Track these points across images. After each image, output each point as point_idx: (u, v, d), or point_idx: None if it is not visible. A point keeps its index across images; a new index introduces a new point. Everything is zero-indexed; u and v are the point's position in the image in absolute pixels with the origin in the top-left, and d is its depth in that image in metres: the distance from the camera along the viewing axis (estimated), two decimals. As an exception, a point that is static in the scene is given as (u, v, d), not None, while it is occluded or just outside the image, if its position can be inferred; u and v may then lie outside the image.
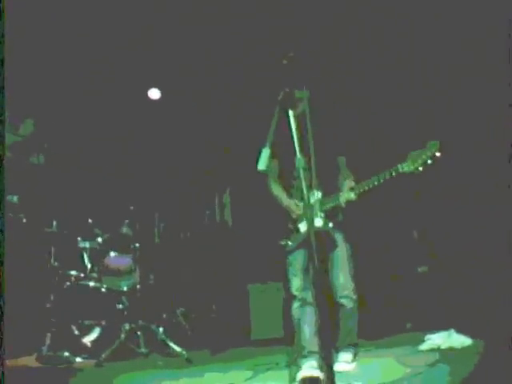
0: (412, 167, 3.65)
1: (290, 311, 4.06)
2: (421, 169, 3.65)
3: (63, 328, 4.89)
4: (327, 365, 2.70)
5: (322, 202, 4.07)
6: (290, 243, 4.16)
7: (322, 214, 4.07)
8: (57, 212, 5.47)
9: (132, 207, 5.81)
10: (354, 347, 4.16)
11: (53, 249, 5.29)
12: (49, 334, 4.78)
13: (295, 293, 4.04)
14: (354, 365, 4.07)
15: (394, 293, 5.69)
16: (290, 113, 3.18)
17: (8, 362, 4.53)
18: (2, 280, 3.83)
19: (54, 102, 6.22)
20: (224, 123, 6.84)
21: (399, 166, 3.70)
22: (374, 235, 5.93)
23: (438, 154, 3.59)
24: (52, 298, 5.02)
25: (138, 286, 5.44)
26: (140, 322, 5.18)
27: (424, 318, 5.23)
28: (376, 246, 5.91)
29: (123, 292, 5.39)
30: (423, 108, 5.76)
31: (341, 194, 3.97)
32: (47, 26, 5.70)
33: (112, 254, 5.60)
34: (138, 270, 5.52)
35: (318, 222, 4.04)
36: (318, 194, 4.09)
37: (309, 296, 3.93)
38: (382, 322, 5.30)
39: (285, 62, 3.29)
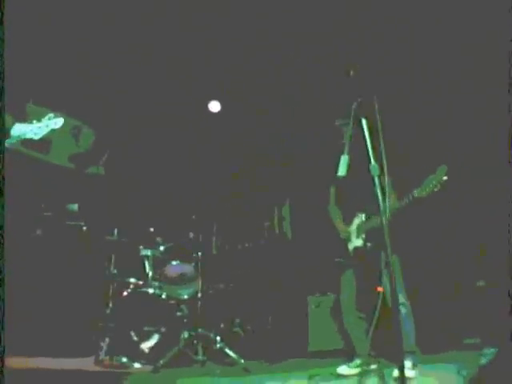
0: (424, 193, 3.87)
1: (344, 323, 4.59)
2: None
3: (122, 334, 4.91)
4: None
5: (364, 223, 4.50)
6: (341, 260, 4.62)
7: (363, 235, 4.46)
8: (118, 221, 5.56)
9: (194, 216, 5.85)
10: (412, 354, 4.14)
11: (113, 256, 5.35)
12: (107, 339, 4.82)
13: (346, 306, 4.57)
14: (414, 372, 4.03)
15: (453, 307, 5.48)
16: (363, 121, 3.25)
17: (65, 364, 4.65)
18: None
19: (115, 112, 6.37)
20: (284, 135, 6.80)
21: (415, 191, 3.94)
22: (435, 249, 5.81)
23: (445, 178, 3.78)
24: (111, 304, 5.07)
25: (198, 295, 5.41)
26: (199, 330, 5.13)
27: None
28: (436, 259, 5.77)
29: (183, 300, 5.37)
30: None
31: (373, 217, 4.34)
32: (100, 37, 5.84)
33: (173, 262, 5.62)
34: (199, 278, 5.50)
35: (358, 242, 4.50)
36: (361, 217, 4.53)
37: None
38: (440, 337, 5.11)
39: (352, 73, 3.38)
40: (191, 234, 5.62)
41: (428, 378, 3.98)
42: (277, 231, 6.89)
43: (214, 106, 6.73)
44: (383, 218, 3.07)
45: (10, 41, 5.30)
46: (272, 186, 6.97)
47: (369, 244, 4.40)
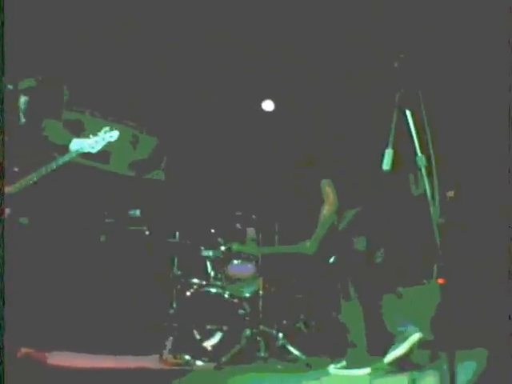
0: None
1: None
2: None
3: (185, 332, 5.06)
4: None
5: None
6: None
7: None
8: (179, 223, 5.73)
9: (254, 216, 5.94)
10: None
11: (176, 258, 5.52)
12: (171, 338, 5.00)
13: None
14: None
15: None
16: (408, 113, 3.23)
17: (130, 363, 4.85)
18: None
19: (171, 117, 6.53)
20: (335, 134, 6.74)
21: None
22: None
23: None
24: (175, 304, 5.24)
25: (260, 293, 5.49)
26: (261, 327, 5.21)
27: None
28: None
29: (245, 298, 5.46)
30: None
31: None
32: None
33: (235, 261, 5.72)
34: (260, 277, 5.57)
35: None
36: None
37: None
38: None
39: (396, 64, 3.35)
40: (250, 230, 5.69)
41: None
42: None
43: (268, 105, 6.78)
44: (433, 212, 3.02)
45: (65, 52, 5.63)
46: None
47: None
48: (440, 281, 4.61)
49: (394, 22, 5.63)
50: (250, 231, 6.03)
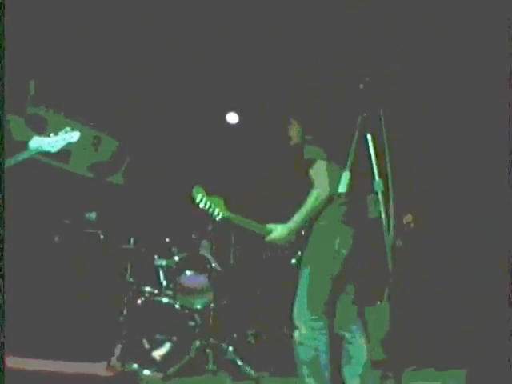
0: None
1: None
2: None
3: (134, 341, 4.98)
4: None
5: None
6: None
7: None
8: (135, 230, 5.66)
9: (210, 227, 5.92)
10: None
11: (129, 265, 5.45)
12: (119, 346, 4.91)
13: None
14: None
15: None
16: (368, 137, 3.20)
17: (78, 368, 4.75)
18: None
19: (134, 120, 6.47)
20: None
21: None
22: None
23: None
24: (125, 312, 5.16)
25: (211, 305, 5.47)
26: (211, 339, 5.19)
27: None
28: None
29: (196, 310, 5.42)
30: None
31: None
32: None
33: (188, 272, 5.66)
34: (212, 289, 5.55)
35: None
36: None
37: None
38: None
39: (361, 86, 3.37)
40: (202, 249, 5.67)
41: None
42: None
43: (232, 118, 6.81)
44: (387, 237, 3.03)
45: (29, 46, 5.52)
46: (292, 194, 6.96)
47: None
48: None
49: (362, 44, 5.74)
50: (204, 243, 6.00)
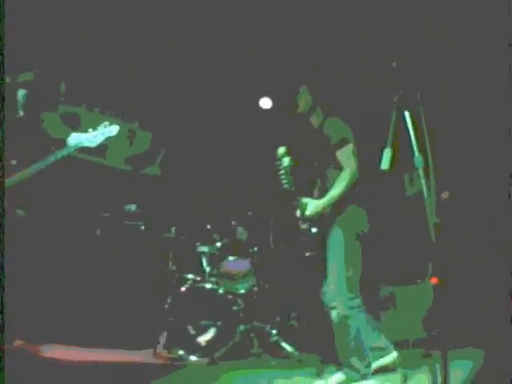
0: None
1: None
2: None
3: (179, 328, 5.08)
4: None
5: None
6: None
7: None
8: (175, 219, 5.74)
9: (250, 213, 5.96)
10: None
11: (171, 253, 5.53)
12: (165, 333, 5.02)
13: None
14: None
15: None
16: (406, 113, 3.20)
17: (124, 357, 4.88)
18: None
19: (168, 112, 6.52)
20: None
21: None
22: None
23: None
24: (169, 299, 5.26)
25: (255, 289, 5.52)
26: (255, 323, 5.24)
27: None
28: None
29: (240, 294, 5.48)
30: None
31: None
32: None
33: (230, 258, 5.73)
34: (255, 273, 5.60)
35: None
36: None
37: None
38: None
39: (394, 64, 3.36)
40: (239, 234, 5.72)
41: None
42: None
43: (266, 103, 6.79)
44: (430, 211, 3.03)
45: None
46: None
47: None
48: (433, 280, 4.63)
49: (393, 24, 5.64)
50: (240, 230, 6.03)
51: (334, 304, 3.76)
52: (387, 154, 3.25)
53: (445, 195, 5.21)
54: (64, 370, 4.22)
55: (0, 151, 3.41)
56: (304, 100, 4.23)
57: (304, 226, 4.05)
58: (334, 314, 3.76)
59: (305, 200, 3.94)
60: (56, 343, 4.95)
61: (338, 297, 3.74)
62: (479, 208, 5.36)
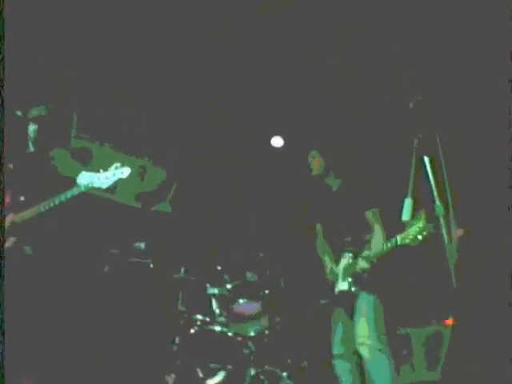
0: (407, 241, 3.66)
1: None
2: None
3: (188, 370, 4.93)
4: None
5: (350, 266, 4.22)
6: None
7: (349, 279, 4.21)
8: (185, 259, 5.64)
9: (262, 254, 5.88)
10: None
11: (180, 294, 5.42)
12: (173, 375, 4.87)
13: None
14: None
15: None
16: (426, 159, 3.18)
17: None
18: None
19: (183, 152, 6.51)
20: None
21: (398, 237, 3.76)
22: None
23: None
24: (178, 341, 5.11)
25: (266, 332, 5.38)
26: (266, 367, 5.08)
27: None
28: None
29: (250, 337, 5.34)
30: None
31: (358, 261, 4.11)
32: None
33: (241, 300, 5.60)
34: (266, 316, 5.46)
35: (343, 286, 4.25)
36: (349, 257, 4.26)
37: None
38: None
39: (411, 105, 3.33)
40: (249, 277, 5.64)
41: None
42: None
43: (277, 142, 6.78)
44: (451, 259, 2.99)
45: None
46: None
47: (353, 288, 4.19)
48: (448, 322, 4.52)
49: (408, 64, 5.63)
50: (248, 275, 5.93)
51: (365, 341, 4.02)
52: (408, 205, 3.18)
53: (459, 233, 5.09)
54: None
55: None
56: (317, 164, 4.47)
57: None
58: (364, 350, 4.00)
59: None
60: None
61: (370, 336, 4.00)
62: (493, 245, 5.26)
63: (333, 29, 5.61)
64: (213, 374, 4.97)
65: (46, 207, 4.09)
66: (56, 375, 4.61)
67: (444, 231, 3.02)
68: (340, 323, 4.37)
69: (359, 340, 4.03)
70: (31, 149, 4.49)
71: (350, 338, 4.21)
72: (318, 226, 4.78)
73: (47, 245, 4.32)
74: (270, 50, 5.95)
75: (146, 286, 5.60)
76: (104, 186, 4.23)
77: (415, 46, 5.52)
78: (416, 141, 3.31)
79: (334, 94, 6.18)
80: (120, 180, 4.27)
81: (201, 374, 4.96)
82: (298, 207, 6.58)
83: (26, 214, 4.15)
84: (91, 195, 4.90)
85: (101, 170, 4.22)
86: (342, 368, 4.31)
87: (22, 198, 4.26)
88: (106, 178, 4.22)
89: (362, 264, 4.06)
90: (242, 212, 6.80)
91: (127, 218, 6.10)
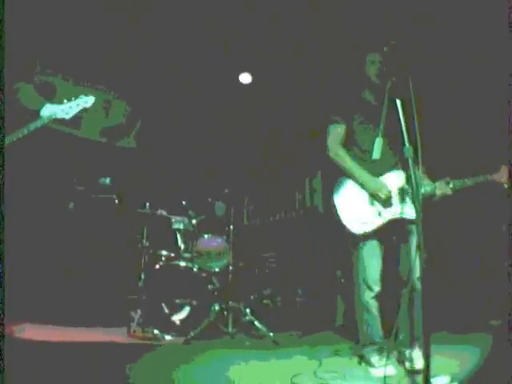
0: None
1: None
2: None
3: (154, 306, 5.00)
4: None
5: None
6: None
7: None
8: (150, 194, 5.60)
9: (226, 190, 5.86)
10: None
11: (145, 229, 5.41)
12: (139, 311, 4.93)
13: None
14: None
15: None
16: (398, 102, 3.18)
17: (98, 335, 4.78)
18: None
19: (145, 83, 6.33)
20: (313, 107, 6.65)
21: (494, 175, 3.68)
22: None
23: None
24: (143, 276, 5.15)
25: (229, 268, 5.44)
26: (229, 302, 5.18)
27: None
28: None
29: (214, 273, 5.41)
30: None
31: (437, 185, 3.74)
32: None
33: (206, 235, 5.62)
34: (230, 251, 5.51)
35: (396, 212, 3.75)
36: (401, 176, 3.80)
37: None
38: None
39: (385, 49, 3.28)
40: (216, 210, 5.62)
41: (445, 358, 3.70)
42: (308, 204, 6.80)
43: (245, 78, 6.67)
44: (416, 204, 2.99)
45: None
46: (303, 159, 6.86)
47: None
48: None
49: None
50: (219, 204, 5.93)
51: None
52: (378, 144, 3.22)
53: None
54: (36, 350, 4.10)
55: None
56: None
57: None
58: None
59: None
60: (28, 322, 4.80)
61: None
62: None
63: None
64: (178, 309, 5.05)
65: (10, 141, 3.94)
66: (21, 312, 4.59)
67: (412, 173, 3.03)
68: (376, 258, 3.88)
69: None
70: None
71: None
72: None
73: (11, 181, 4.21)
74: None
75: (111, 221, 5.57)
76: (68, 117, 4.10)
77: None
78: (389, 83, 3.34)
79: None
80: (84, 111, 4.16)
81: (166, 310, 5.03)
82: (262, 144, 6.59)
83: (-10, 149, 4.00)
84: (56, 131, 4.79)
85: (65, 101, 4.10)
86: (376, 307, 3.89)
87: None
88: (70, 107, 4.10)
89: (446, 190, 3.76)
90: (207, 147, 6.73)
91: (92, 153, 5.98)
